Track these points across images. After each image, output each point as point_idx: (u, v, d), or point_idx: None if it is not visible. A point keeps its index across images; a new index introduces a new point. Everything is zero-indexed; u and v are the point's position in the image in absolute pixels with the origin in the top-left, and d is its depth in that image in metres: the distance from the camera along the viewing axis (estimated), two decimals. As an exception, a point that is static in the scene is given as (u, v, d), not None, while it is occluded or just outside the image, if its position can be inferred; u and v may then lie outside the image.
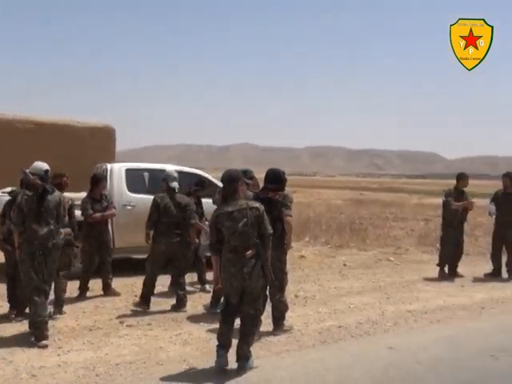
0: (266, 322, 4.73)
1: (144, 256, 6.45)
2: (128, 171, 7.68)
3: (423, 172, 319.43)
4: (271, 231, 4.06)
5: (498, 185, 9.11)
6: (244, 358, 3.93)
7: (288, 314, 5.11)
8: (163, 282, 6.47)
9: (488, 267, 8.31)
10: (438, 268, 8.10)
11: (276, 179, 4.94)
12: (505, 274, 8.09)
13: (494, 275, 8.04)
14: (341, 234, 12.71)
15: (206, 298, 6.07)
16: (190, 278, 6.77)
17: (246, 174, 5.27)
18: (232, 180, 4.04)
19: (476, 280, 7.90)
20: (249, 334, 3.98)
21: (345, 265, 9.04)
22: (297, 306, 5.98)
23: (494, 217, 8.23)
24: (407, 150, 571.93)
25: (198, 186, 6.84)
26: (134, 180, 7.67)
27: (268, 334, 4.84)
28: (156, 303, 5.95)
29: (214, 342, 4.12)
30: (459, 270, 8.21)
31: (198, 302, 6.19)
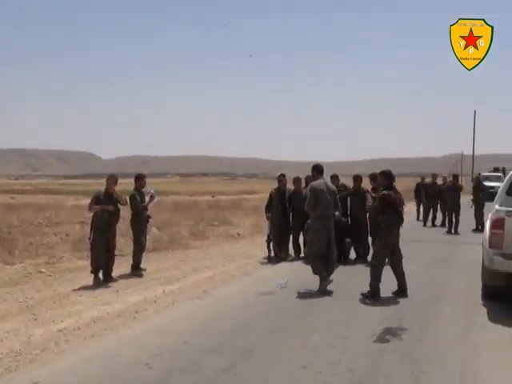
0: None
1: None
2: None
3: (80, 172, 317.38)
4: None
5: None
6: None
7: None
8: None
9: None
10: (92, 275, 7.79)
11: None
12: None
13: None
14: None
15: None
16: None
17: None
18: None
19: (129, 283, 7.91)
20: None
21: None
22: None
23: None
24: (62, 150, 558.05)
25: None
26: None
27: None
28: None
29: None
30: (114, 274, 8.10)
31: None
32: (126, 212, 9.08)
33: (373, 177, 9.84)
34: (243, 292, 7.21)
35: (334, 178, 10.25)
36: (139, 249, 8.64)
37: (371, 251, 9.56)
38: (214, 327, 5.49)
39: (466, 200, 16.29)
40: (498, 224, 6.22)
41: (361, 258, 9.69)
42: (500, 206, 6.84)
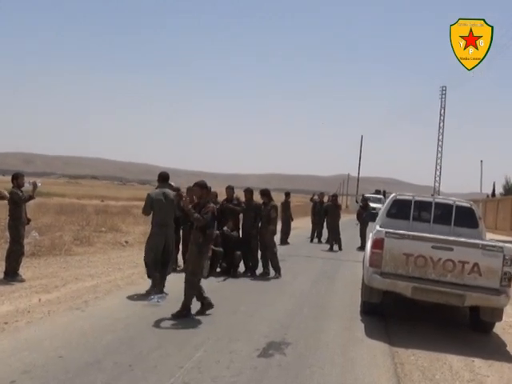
0: None
1: None
2: None
3: None
4: None
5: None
6: None
7: None
8: None
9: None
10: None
11: None
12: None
13: None
14: None
15: None
16: None
17: None
18: None
19: (1, 291, 7.25)
20: None
21: None
22: None
23: None
24: None
25: None
26: None
27: None
28: None
29: None
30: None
31: None
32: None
33: (263, 192, 10.04)
34: (128, 303, 6.91)
35: (229, 189, 10.31)
36: (16, 253, 7.96)
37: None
38: (93, 341, 5.16)
39: (350, 219, 17.21)
40: (377, 244, 6.59)
41: (249, 271, 9.78)
42: (380, 226, 7.28)
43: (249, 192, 10.20)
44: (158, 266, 7.49)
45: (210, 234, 6.52)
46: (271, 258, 9.85)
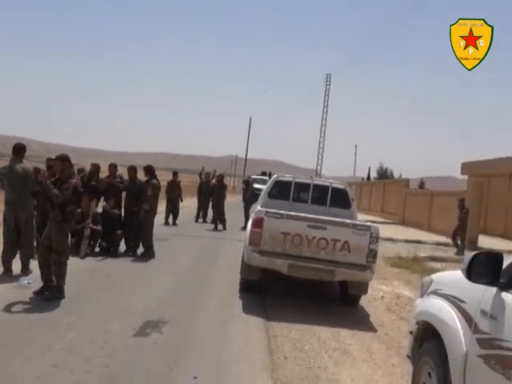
0: None
1: None
2: None
3: None
4: None
5: None
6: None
7: None
8: None
9: None
10: None
11: None
12: None
13: None
14: None
15: None
16: None
17: None
18: None
19: None
20: None
21: None
22: None
23: None
24: None
25: None
26: None
27: None
28: None
29: None
30: None
31: None
32: None
33: (147, 169, 9.83)
34: (-2, 285, 6.45)
35: (112, 166, 9.95)
36: None
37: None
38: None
39: (237, 199, 17.48)
40: (257, 223, 6.78)
41: (130, 250, 9.56)
42: (261, 206, 7.49)
43: (132, 170, 9.92)
44: (15, 246, 7.00)
45: (70, 211, 6.12)
46: (144, 238, 9.52)
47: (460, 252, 14.49)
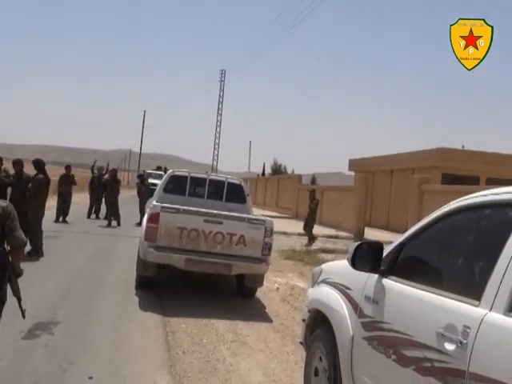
0: None
1: None
2: None
3: None
4: None
5: None
6: None
7: None
8: None
9: None
10: None
11: None
12: None
13: None
14: None
15: None
16: None
17: None
18: None
19: None
20: None
21: None
22: None
23: None
24: None
25: None
26: None
27: None
28: None
29: None
30: None
31: None
32: None
33: (36, 163, 9.33)
34: None
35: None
36: None
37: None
38: None
39: (131, 194, 17.05)
40: (153, 218, 6.72)
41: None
42: (157, 201, 7.43)
43: (18, 163, 9.32)
44: None
45: None
46: (31, 236, 8.76)
47: (311, 241, 14.56)
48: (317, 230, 19.35)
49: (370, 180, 21.84)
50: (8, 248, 3.59)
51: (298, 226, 20.18)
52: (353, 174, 26.83)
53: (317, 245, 14.55)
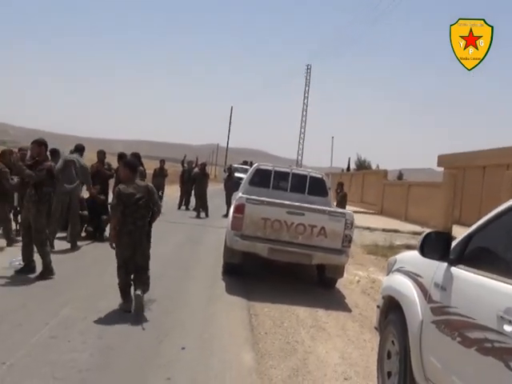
0: None
1: None
2: None
3: None
4: None
5: None
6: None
7: None
8: None
9: None
10: None
11: None
12: None
13: None
14: None
15: None
16: None
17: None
18: None
19: None
20: None
21: None
22: None
23: None
24: None
25: None
26: None
27: None
28: None
29: None
30: None
31: None
32: None
33: (136, 157, 10.12)
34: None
35: (100, 153, 10.26)
36: None
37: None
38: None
39: (219, 187, 17.75)
40: (239, 209, 7.16)
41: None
42: (243, 193, 7.87)
43: (123, 157, 10.19)
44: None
45: (46, 192, 6.43)
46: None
47: None
48: (402, 226, 19.09)
49: (460, 176, 21.08)
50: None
51: (382, 222, 20.01)
52: (442, 170, 25.96)
53: (401, 241, 14.41)
